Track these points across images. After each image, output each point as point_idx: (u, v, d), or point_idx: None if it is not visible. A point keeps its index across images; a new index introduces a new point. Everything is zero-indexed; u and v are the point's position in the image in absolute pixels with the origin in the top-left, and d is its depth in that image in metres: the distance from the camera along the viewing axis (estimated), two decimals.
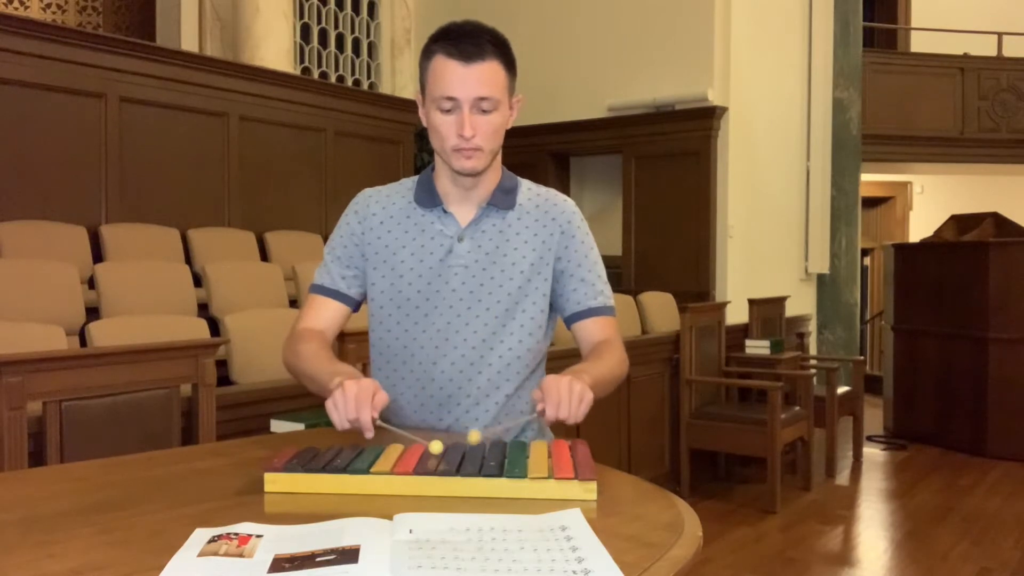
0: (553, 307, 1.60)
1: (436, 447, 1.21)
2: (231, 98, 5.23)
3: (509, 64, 1.46)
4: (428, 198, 1.53)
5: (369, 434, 1.26)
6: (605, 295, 1.59)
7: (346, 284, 1.56)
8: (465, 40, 1.40)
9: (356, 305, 1.59)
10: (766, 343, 5.19)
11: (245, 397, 2.65)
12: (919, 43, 9.61)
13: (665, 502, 1.12)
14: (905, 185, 11.14)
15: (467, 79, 1.40)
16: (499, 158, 1.55)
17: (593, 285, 1.58)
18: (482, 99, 1.41)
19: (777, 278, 6.64)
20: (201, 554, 0.89)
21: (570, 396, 1.26)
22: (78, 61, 4.47)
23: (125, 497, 1.13)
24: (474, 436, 1.25)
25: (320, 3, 6.97)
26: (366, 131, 6.10)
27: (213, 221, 5.05)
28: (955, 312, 5.85)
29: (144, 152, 4.78)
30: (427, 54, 1.45)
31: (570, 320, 1.58)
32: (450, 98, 1.41)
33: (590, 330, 1.57)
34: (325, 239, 5.24)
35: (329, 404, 1.27)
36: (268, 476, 1.14)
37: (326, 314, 1.56)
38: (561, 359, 2.99)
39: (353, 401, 1.25)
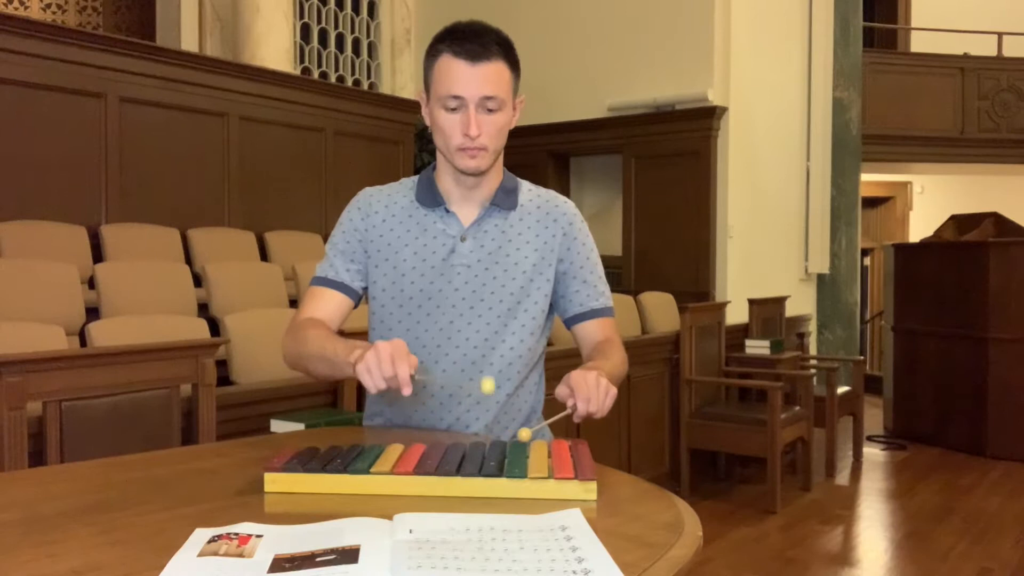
0: (554, 307, 1.60)
1: (488, 385, 1.27)
2: (231, 98, 5.23)
3: (514, 65, 1.46)
4: (430, 197, 1.53)
5: (407, 390, 1.22)
6: (606, 296, 1.60)
7: (350, 277, 1.55)
8: (471, 40, 1.41)
9: (358, 299, 1.57)
10: (766, 343, 5.19)
11: (245, 397, 2.65)
12: (919, 43, 9.61)
13: (665, 502, 1.12)
14: (905, 185, 11.15)
15: (473, 79, 1.40)
16: (500, 158, 1.55)
17: (595, 287, 1.59)
18: (488, 98, 1.41)
19: (777, 278, 6.64)
20: (201, 554, 0.89)
21: (598, 391, 1.27)
22: (78, 61, 4.46)
23: (125, 497, 1.13)
24: (524, 433, 1.25)
25: (320, 3, 6.97)
26: (366, 131, 6.10)
27: (213, 221, 5.05)
28: (955, 312, 5.85)
29: (144, 152, 4.77)
30: (433, 53, 1.45)
31: (572, 321, 1.59)
32: (456, 97, 1.41)
33: (591, 331, 1.58)
34: (325, 239, 5.21)
35: (361, 368, 1.23)
36: (268, 476, 1.14)
37: (330, 305, 1.54)
38: (561, 359, 2.98)
39: (388, 358, 1.22)
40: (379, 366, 1.22)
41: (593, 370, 1.32)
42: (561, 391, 1.30)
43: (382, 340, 1.26)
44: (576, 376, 1.29)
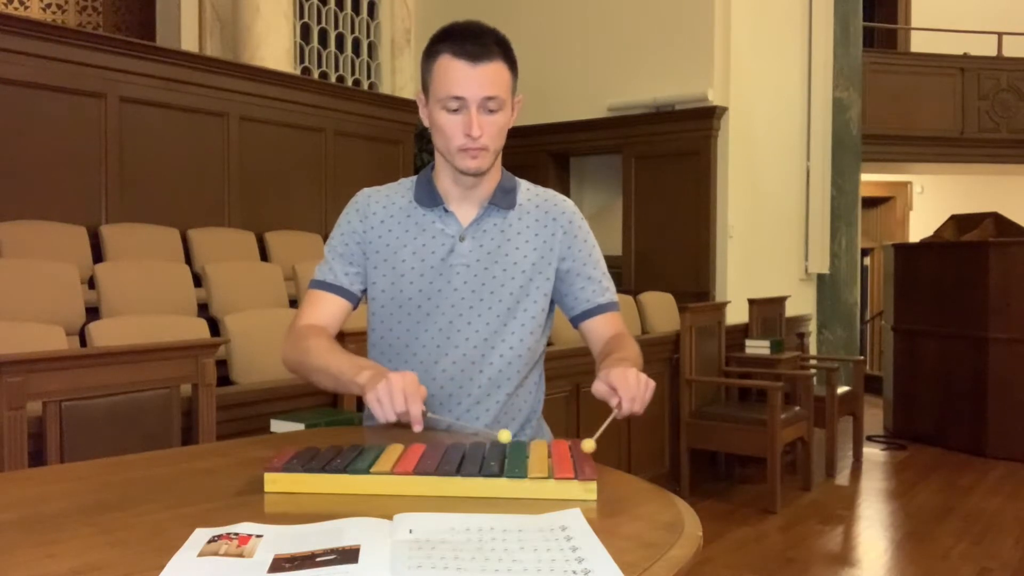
0: (559, 306, 1.60)
1: (505, 436, 1.23)
2: (231, 98, 5.23)
3: (512, 64, 1.46)
4: (429, 197, 1.53)
5: (418, 427, 1.25)
6: (611, 291, 1.60)
7: (349, 280, 1.55)
8: (471, 40, 1.41)
9: (357, 302, 1.58)
10: (766, 343, 5.19)
11: (245, 397, 2.65)
12: (919, 43, 9.61)
13: (665, 502, 1.12)
14: (905, 185, 11.15)
15: (474, 79, 1.40)
16: (499, 158, 1.55)
17: (599, 282, 1.59)
18: (489, 99, 1.41)
19: (777, 278, 6.64)
20: (201, 554, 0.89)
21: (637, 387, 1.28)
22: (78, 61, 4.47)
23: (125, 497, 1.13)
24: (588, 444, 1.21)
25: (320, 3, 6.97)
26: (366, 131, 6.10)
27: (213, 221, 5.05)
28: (955, 312, 5.85)
29: (144, 152, 4.78)
30: (432, 54, 1.44)
31: (579, 318, 1.58)
32: (457, 98, 1.41)
33: (600, 326, 1.58)
34: (325, 239, 5.22)
35: (371, 398, 1.26)
36: (268, 476, 1.14)
37: (329, 309, 1.54)
38: (561, 359, 2.99)
39: (401, 394, 1.24)
40: (391, 401, 1.24)
41: (631, 366, 1.31)
42: (601, 389, 1.30)
43: (396, 374, 1.27)
44: (617, 375, 1.28)
